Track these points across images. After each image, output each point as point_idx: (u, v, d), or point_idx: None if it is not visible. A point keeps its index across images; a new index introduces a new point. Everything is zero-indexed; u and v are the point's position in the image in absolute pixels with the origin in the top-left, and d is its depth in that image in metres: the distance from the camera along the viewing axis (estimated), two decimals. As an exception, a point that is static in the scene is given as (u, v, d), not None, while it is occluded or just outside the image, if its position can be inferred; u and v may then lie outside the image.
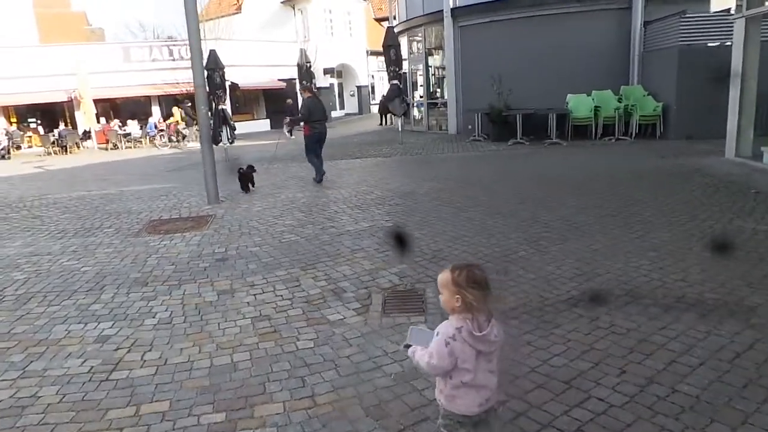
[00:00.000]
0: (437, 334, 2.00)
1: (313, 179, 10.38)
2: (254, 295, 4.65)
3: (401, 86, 16.17)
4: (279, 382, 3.24)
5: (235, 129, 15.77)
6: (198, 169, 14.07)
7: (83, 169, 16.53)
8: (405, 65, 19.03)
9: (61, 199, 9.99)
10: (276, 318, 4.16)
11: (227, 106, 16.28)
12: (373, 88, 40.35)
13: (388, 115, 27.15)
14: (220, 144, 15.30)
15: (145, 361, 3.58)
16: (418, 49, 21.25)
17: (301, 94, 10.27)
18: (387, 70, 16.18)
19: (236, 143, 16.48)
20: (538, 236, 5.83)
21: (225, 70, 15.85)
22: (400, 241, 6.10)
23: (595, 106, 14.24)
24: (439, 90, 20.26)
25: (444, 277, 2.01)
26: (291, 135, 10.58)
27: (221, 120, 15.12)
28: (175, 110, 26.79)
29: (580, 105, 14.58)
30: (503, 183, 9.25)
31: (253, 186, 9.73)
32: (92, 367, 3.52)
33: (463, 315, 1.96)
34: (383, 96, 27.93)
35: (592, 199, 7.42)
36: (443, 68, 19.96)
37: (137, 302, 4.57)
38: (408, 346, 2.08)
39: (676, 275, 4.49)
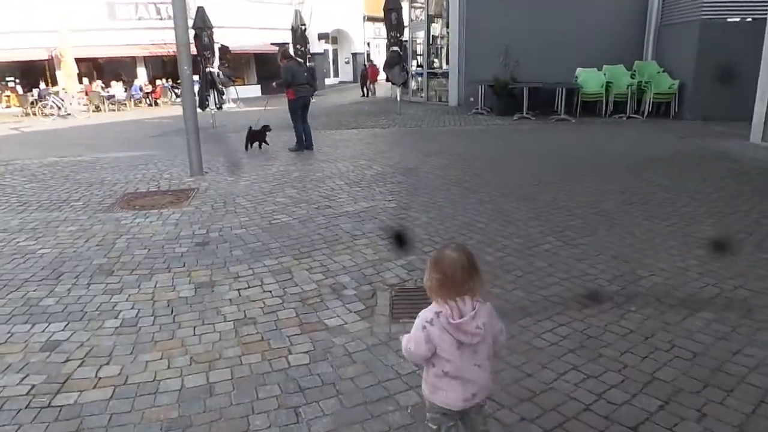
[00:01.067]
0: (417, 318, 1.86)
1: (290, 148, 9.79)
2: (238, 290, 3.94)
3: (402, 54, 15.22)
4: (266, 415, 2.56)
5: (223, 93, 14.82)
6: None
7: (62, 132, 15.58)
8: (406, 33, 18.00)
9: (30, 165, 9.13)
10: (263, 322, 3.46)
11: (215, 69, 15.27)
12: (369, 55, 39.03)
13: (373, 86, 26.70)
14: (207, 109, 14.39)
15: (100, 378, 2.87)
16: (418, 16, 20.20)
17: (279, 62, 9.47)
18: (387, 36, 15.23)
19: (225, 108, 15.54)
20: (564, 225, 5.15)
21: (214, 30, 14.82)
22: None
23: (607, 82, 13.47)
24: (438, 60, 19.30)
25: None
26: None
27: (209, 83, 14.16)
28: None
29: (590, 80, 13.80)
30: (514, 161, 8.52)
31: (267, 144, 9.95)
32: (33, 386, 2.81)
33: (443, 299, 1.79)
34: (364, 66, 26.92)
35: (615, 184, 6.74)
36: (443, 37, 19.03)
37: (98, 297, 3.84)
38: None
39: (734, 280, 3.85)
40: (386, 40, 15.51)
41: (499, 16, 15.31)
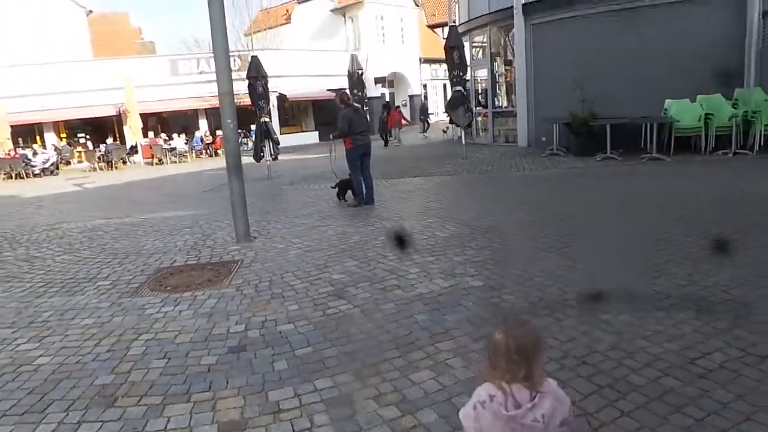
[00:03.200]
0: (475, 392, 1.75)
1: (348, 203, 8.95)
2: (278, 437, 2.74)
3: (465, 93, 14.13)
4: None
5: (279, 144, 14.14)
6: (246, 186, 12.61)
7: (120, 188, 15.35)
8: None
9: (73, 230, 8.49)
10: None
11: (270, 119, 14.70)
12: (425, 97, 38.43)
13: (396, 131, 23.23)
14: (263, 160, 13.75)
15: None
16: (479, 52, 19.19)
17: (337, 105, 8.52)
18: (449, 75, 14.20)
19: (280, 156, 14.86)
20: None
21: (269, 78, 14.32)
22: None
23: (705, 114, 11.75)
24: (503, 97, 18.10)
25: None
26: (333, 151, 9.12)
27: (264, 133, 13.54)
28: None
29: (684, 112, 12.12)
30: (616, 214, 7.04)
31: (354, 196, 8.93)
32: None
33: (500, 382, 1.63)
34: (383, 112, 23.65)
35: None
36: (507, 73, 17.88)
37: (84, 450, 2.74)
38: None
39: None
40: (449, 80, 14.48)
41: (571, 46, 14.02)
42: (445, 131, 23.68)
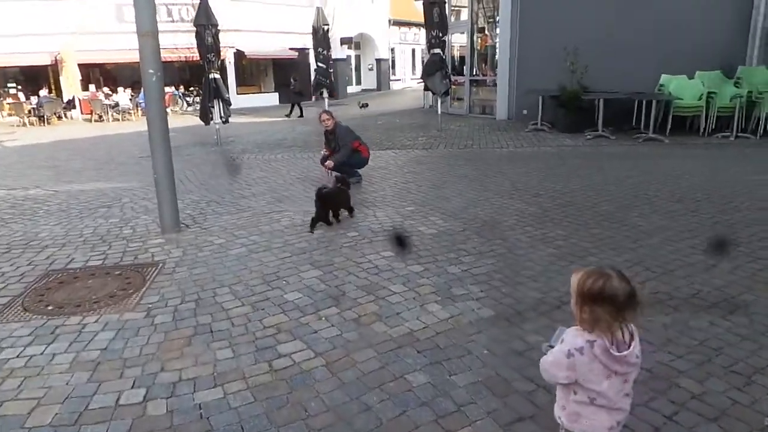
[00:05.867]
0: (562, 341, 1.71)
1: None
2: None
3: (443, 58, 12.62)
4: None
5: (230, 104, 12.34)
6: (188, 152, 10.92)
7: (44, 148, 13.26)
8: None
9: (-43, 204, 6.72)
10: None
11: (223, 76, 12.86)
12: (393, 62, 36.57)
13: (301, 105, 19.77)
14: (212, 123, 11.97)
15: None
16: (456, 15, 17.61)
17: (323, 123, 6.90)
18: (427, 36, 12.61)
19: (233, 119, 13.06)
20: None
21: (224, 32, 12.44)
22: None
23: (708, 92, 10.67)
24: (482, 65, 16.67)
25: (573, 280, 1.69)
26: (331, 173, 7.26)
27: (213, 92, 11.72)
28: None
29: (684, 90, 11.02)
30: (636, 206, 5.80)
31: (351, 214, 5.66)
32: None
33: (598, 327, 1.63)
34: (293, 80, 20.29)
35: None
36: (486, 38, 16.45)
37: None
38: (551, 347, 1.76)
39: None
40: (426, 42, 12.91)
41: (561, 12, 12.65)
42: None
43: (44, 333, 3.27)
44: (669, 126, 10.93)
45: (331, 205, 5.41)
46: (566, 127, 11.84)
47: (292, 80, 21.24)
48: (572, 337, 1.69)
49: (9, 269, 4.36)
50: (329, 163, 7.23)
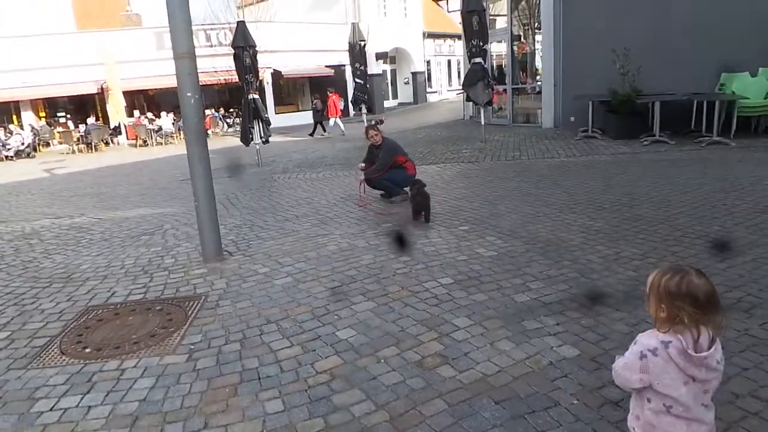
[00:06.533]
0: (635, 343, 1.62)
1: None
2: None
3: (485, 67, 12.20)
4: None
5: (270, 124, 12.24)
6: (230, 174, 10.85)
7: (91, 175, 13.51)
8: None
9: (3, 236, 6.68)
10: None
11: (262, 96, 12.81)
12: (429, 74, 36.30)
13: (336, 121, 18.84)
14: (252, 143, 11.89)
15: None
16: (495, 22, 17.19)
17: (371, 138, 6.69)
18: (467, 45, 12.24)
19: (272, 139, 12.96)
20: None
21: (261, 53, 12.41)
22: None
23: (777, 90, 9.88)
24: (524, 72, 16.16)
25: (651, 278, 1.62)
26: (364, 192, 7.07)
27: (252, 112, 11.65)
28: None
29: (748, 88, 10.24)
30: (716, 220, 5.22)
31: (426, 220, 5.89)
32: None
33: (675, 328, 1.55)
34: (315, 99, 19.99)
35: None
36: (528, 45, 15.96)
37: None
38: None
39: None
40: (466, 51, 12.54)
41: (607, 13, 12.06)
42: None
43: (80, 381, 3.00)
44: (733, 128, 10.17)
45: (426, 203, 5.89)
46: (619, 133, 11.21)
47: (312, 100, 21.21)
48: (646, 338, 1.62)
49: (49, 306, 4.16)
50: (361, 166, 7.16)
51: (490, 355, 3.00)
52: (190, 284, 4.41)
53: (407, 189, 7.19)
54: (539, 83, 14.84)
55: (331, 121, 19.08)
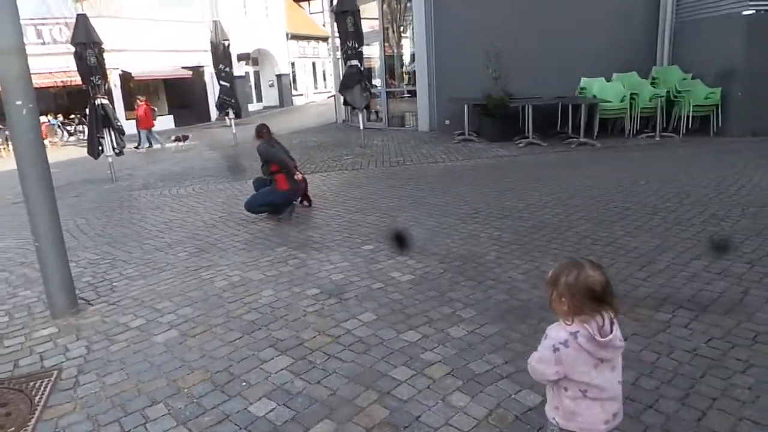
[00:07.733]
0: (545, 337, 1.71)
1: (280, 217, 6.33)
2: None
3: (362, 69, 11.83)
4: None
5: (123, 133, 10.68)
6: (77, 192, 9.08)
7: None
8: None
9: None
10: None
11: (111, 101, 11.16)
12: (294, 77, 35.39)
13: (146, 134, 16.63)
14: (102, 155, 10.26)
15: None
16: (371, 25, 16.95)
17: (263, 139, 5.81)
18: (342, 47, 11.79)
19: (129, 149, 11.38)
20: None
21: (107, 51, 10.79)
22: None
23: (630, 94, 10.71)
24: (398, 75, 16.09)
25: (549, 275, 1.71)
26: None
27: (101, 120, 10.05)
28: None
29: (606, 92, 11.03)
30: (616, 224, 5.27)
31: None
32: None
33: (579, 318, 1.65)
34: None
35: None
36: (402, 47, 15.95)
37: None
38: None
39: None
40: (341, 53, 12.07)
41: (475, 17, 12.29)
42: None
43: None
44: (596, 129, 10.89)
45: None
46: (494, 136, 11.48)
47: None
48: (555, 331, 1.69)
49: None
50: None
51: (447, 415, 2.49)
52: (34, 353, 3.33)
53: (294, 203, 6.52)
54: (406, 86, 14.94)
55: (143, 134, 16.66)
